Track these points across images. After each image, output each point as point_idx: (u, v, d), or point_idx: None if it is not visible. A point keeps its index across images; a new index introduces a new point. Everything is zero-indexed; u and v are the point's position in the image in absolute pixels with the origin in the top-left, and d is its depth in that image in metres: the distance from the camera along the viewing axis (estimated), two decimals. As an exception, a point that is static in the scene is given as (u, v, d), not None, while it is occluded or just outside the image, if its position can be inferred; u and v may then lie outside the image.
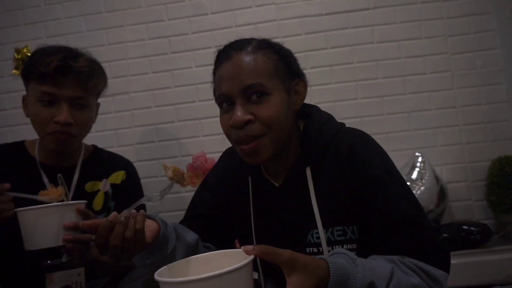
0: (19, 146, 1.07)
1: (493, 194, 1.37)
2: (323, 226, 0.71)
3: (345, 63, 1.62)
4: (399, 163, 1.51)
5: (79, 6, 1.71)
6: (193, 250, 0.74)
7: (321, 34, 1.62)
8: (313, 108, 0.82)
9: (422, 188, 1.30)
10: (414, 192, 1.30)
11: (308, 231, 0.73)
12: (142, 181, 1.24)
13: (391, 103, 1.59)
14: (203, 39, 1.66)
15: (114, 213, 0.62)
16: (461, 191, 1.52)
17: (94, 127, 1.52)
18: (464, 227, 1.23)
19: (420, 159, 1.38)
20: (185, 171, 1.44)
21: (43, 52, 0.98)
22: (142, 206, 1.11)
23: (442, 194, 1.34)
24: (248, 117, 0.69)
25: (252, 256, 0.53)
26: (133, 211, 0.65)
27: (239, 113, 0.69)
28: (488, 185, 1.42)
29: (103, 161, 1.11)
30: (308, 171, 0.74)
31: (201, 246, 0.78)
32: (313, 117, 0.78)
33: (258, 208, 0.80)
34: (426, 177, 1.31)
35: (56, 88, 0.94)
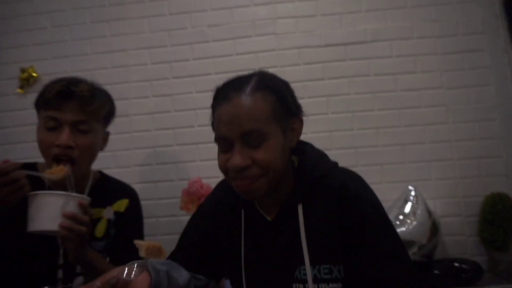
0: (32, 168, 1.08)
1: (485, 231, 1.38)
2: (311, 263, 0.73)
3: (342, 94, 1.65)
4: (392, 195, 1.53)
5: (85, 30, 1.76)
6: None
7: (319, 65, 1.66)
8: (307, 146, 0.84)
9: (415, 223, 1.31)
10: (406, 226, 1.32)
11: (295, 267, 0.75)
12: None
13: (386, 135, 1.61)
14: (204, 66, 1.70)
15: (104, 277, 0.62)
16: (455, 226, 1.53)
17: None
18: (456, 264, 1.23)
19: (413, 193, 1.39)
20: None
21: (51, 82, 1.03)
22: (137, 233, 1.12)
23: (434, 229, 1.34)
24: (246, 163, 0.71)
25: None
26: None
27: (238, 159, 0.71)
28: (480, 221, 1.43)
29: (109, 189, 1.13)
30: (300, 208, 0.76)
31: (192, 284, 0.79)
32: (307, 155, 0.81)
33: (249, 240, 0.81)
34: (419, 212, 1.32)
35: (58, 112, 0.97)
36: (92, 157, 1.06)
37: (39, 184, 0.96)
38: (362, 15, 1.68)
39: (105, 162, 1.64)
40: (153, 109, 1.70)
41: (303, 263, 0.73)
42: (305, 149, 0.82)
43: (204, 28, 1.72)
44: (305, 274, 0.73)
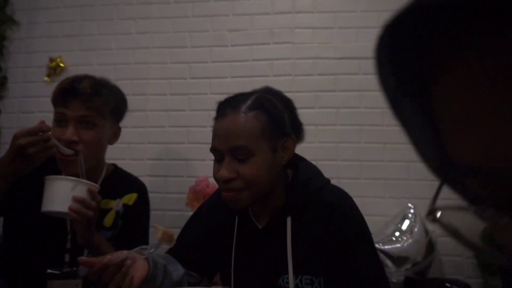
0: (51, 158, 1.13)
1: (483, 255, 1.39)
2: (294, 273, 0.79)
3: (352, 107, 1.69)
4: (392, 211, 1.56)
5: (111, 26, 1.85)
6: (178, 285, 0.83)
7: (332, 77, 1.70)
8: (301, 162, 0.89)
9: (410, 240, 1.33)
10: (401, 243, 1.35)
11: (280, 275, 0.80)
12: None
13: (392, 150, 1.64)
14: (221, 69, 1.76)
15: (109, 256, 0.72)
16: (453, 246, 1.55)
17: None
18: (447, 284, 1.26)
19: (412, 211, 1.42)
20: (188, 196, 1.52)
21: (62, 80, 1.11)
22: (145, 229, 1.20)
23: (430, 247, 1.37)
24: (231, 175, 0.77)
25: None
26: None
27: (225, 171, 0.77)
28: (477, 244, 1.44)
29: (120, 182, 1.19)
30: (289, 221, 0.82)
31: (186, 280, 0.86)
32: (300, 170, 0.86)
33: (240, 246, 0.87)
34: (415, 230, 1.35)
35: (64, 109, 1.04)
36: (99, 151, 1.11)
37: (53, 167, 1.04)
38: (379, 31, 1.71)
39: (120, 154, 1.73)
40: (169, 106, 1.78)
41: (286, 272, 0.79)
42: (300, 164, 0.87)
43: (224, 32, 1.78)
44: (287, 283, 0.79)
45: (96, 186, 0.98)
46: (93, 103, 1.05)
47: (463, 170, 0.22)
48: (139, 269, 0.75)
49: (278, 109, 0.82)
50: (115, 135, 1.18)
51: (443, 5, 0.18)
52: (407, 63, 0.23)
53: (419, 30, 0.20)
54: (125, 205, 1.15)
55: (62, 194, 0.92)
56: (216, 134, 0.81)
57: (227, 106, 0.82)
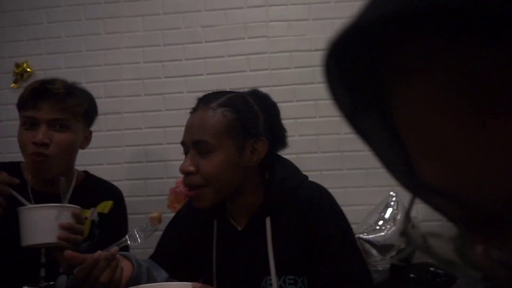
0: (15, 167, 1.10)
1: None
2: (276, 274, 0.77)
3: (331, 99, 1.68)
4: (376, 199, 1.57)
5: (79, 26, 1.78)
6: None
7: (309, 69, 1.69)
8: (279, 160, 0.87)
9: (394, 228, 1.34)
10: (385, 232, 1.36)
11: (262, 277, 0.79)
12: (127, 199, 1.28)
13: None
14: (196, 66, 1.72)
15: (99, 252, 0.69)
16: (435, 230, 1.56)
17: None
18: (431, 269, 1.27)
19: (394, 199, 1.43)
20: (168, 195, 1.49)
21: (29, 84, 1.06)
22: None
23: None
24: (191, 168, 0.77)
25: None
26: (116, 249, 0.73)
27: (184, 164, 0.78)
28: (459, 227, 1.47)
29: (94, 189, 1.15)
30: (268, 221, 0.80)
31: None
32: (276, 170, 0.84)
33: (220, 249, 0.85)
34: (398, 217, 1.36)
35: (35, 111, 0.99)
36: (70, 155, 1.07)
37: (20, 186, 0.99)
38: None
39: (96, 159, 1.68)
40: (144, 107, 1.73)
41: (269, 273, 0.77)
42: (274, 164, 0.85)
43: (197, 29, 1.74)
44: (271, 284, 0.77)
45: (78, 208, 0.93)
46: (67, 104, 1.01)
47: (429, 189, 0.20)
48: (124, 269, 0.73)
49: (251, 110, 0.81)
50: (87, 139, 1.14)
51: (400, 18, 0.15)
52: (360, 75, 0.20)
53: (369, 45, 0.18)
54: (100, 214, 1.11)
55: (46, 224, 0.86)
56: (185, 127, 0.83)
57: (201, 101, 0.83)
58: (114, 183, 1.31)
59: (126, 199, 1.27)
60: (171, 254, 0.90)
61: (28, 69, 1.76)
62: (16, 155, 1.14)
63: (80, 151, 1.13)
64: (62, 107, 1.00)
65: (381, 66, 0.20)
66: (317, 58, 1.50)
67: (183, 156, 1.69)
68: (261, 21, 1.73)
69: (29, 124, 1.00)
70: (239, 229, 0.84)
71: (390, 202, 1.43)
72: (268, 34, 1.72)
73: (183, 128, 1.69)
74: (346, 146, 1.65)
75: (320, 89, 1.68)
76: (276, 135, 0.84)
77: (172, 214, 1.44)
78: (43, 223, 0.86)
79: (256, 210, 0.82)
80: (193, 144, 0.79)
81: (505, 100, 0.15)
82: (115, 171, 1.68)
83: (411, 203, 0.24)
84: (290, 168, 0.86)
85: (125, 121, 1.73)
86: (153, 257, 0.92)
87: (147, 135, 1.72)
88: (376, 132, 0.23)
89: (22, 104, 1.02)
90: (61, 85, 1.01)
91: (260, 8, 1.74)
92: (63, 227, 0.87)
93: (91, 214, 1.09)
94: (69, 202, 1.06)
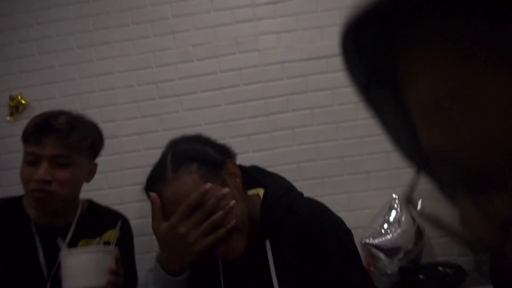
0: (16, 202, 1.09)
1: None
2: None
3: (326, 106, 1.69)
4: (378, 202, 1.57)
5: (71, 55, 1.79)
6: None
7: (302, 79, 1.71)
8: (269, 179, 0.86)
9: (399, 230, 1.34)
10: (391, 235, 1.36)
11: None
12: (132, 222, 1.28)
13: (371, 143, 1.65)
14: (190, 85, 1.74)
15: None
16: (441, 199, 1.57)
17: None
18: (440, 268, 1.27)
19: (397, 201, 1.43)
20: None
21: (34, 116, 1.05)
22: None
23: (419, 233, 1.38)
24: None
25: None
26: None
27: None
28: (464, 224, 1.47)
29: (98, 219, 1.14)
30: (268, 244, 0.79)
31: None
32: (268, 189, 0.83)
33: (226, 272, 0.84)
34: (403, 219, 1.36)
35: (37, 147, 0.98)
36: (73, 190, 1.06)
37: (22, 221, 0.98)
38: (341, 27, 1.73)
39: (97, 184, 1.67)
40: (141, 129, 1.73)
41: None
42: (267, 182, 0.84)
43: (188, 48, 1.76)
44: None
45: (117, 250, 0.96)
46: (71, 140, 0.99)
47: (431, 155, 0.21)
48: None
49: (198, 151, 0.80)
50: (91, 172, 1.13)
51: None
52: (372, 44, 0.22)
53: (383, 16, 0.20)
54: (106, 243, 1.10)
55: (97, 267, 0.89)
56: (169, 209, 0.75)
57: (154, 183, 0.79)
58: (117, 206, 1.30)
59: (131, 221, 1.26)
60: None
61: (23, 101, 1.77)
62: (17, 187, 1.14)
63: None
64: (65, 143, 0.98)
65: (392, 39, 0.21)
66: (309, 67, 1.55)
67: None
68: (251, 35, 1.75)
69: (31, 160, 0.99)
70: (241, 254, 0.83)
71: (394, 205, 1.43)
72: (259, 47, 1.74)
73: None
74: (344, 152, 1.65)
75: (314, 97, 1.70)
76: (226, 152, 0.83)
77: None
78: (95, 266, 0.89)
79: (255, 231, 0.80)
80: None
81: (495, 56, 0.16)
82: (118, 195, 1.68)
83: (416, 177, 0.25)
84: (283, 186, 0.84)
85: (123, 144, 1.73)
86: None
87: (146, 157, 1.71)
88: (387, 106, 0.25)
89: (25, 139, 1.01)
90: (64, 120, 0.99)
91: (249, 22, 1.76)
92: (112, 271, 0.88)
93: (97, 244, 1.08)
94: (74, 233, 1.06)
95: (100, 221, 1.14)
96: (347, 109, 1.67)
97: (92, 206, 1.17)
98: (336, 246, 0.75)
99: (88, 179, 1.11)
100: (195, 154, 0.79)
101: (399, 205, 1.42)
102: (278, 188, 0.83)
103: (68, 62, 1.79)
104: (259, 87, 1.72)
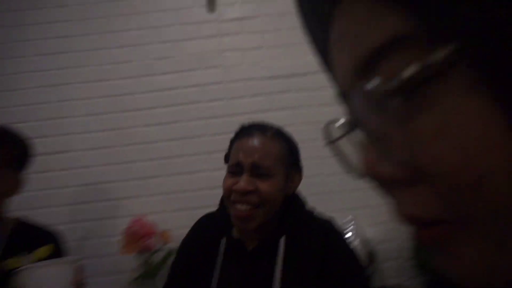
0: None
1: (419, 254, 1.45)
2: None
3: (288, 125, 1.67)
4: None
5: (28, 63, 1.72)
6: None
7: (265, 97, 1.70)
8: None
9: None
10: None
11: None
12: (72, 244, 1.22)
13: (330, 164, 1.66)
14: (151, 99, 1.70)
15: None
16: (391, 251, 1.59)
17: (36, 185, 1.51)
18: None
19: (351, 224, 1.44)
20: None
21: None
22: None
23: (371, 257, 1.39)
24: (250, 188, 0.81)
25: None
26: None
27: (244, 183, 0.81)
28: (415, 244, 1.50)
29: (28, 237, 1.09)
30: (282, 240, 0.83)
31: None
32: (298, 197, 0.92)
33: (224, 269, 0.85)
34: (355, 244, 1.37)
35: None
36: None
37: None
38: (307, 47, 1.74)
39: (36, 202, 1.61)
40: (97, 144, 1.68)
41: None
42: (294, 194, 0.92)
43: (151, 61, 1.73)
44: None
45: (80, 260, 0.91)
46: None
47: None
48: None
49: (295, 144, 0.92)
50: (17, 185, 1.06)
51: None
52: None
53: None
54: (39, 260, 1.05)
55: (59, 282, 0.82)
56: (240, 149, 0.85)
57: (254, 128, 0.88)
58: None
59: (71, 243, 1.21)
60: (179, 282, 0.90)
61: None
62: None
63: (30, 194, 1.07)
64: None
65: None
66: (272, 85, 1.56)
67: (140, 192, 1.66)
68: (215, 51, 1.73)
69: None
70: (250, 248, 0.86)
71: (349, 228, 1.44)
72: (223, 63, 1.73)
73: (135, 164, 1.67)
74: (306, 172, 1.65)
75: (277, 115, 1.69)
76: (301, 170, 0.92)
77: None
78: (55, 281, 0.82)
79: (269, 232, 0.85)
80: (253, 165, 0.82)
81: None
82: (67, 212, 1.62)
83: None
84: (303, 199, 0.92)
85: (75, 159, 1.67)
86: (165, 286, 0.93)
87: (99, 173, 1.66)
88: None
89: None
90: None
91: (214, 38, 1.74)
92: (76, 283, 0.84)
93: (26, 261, 1.03)
94: (4, 251, 1.01)
95: (30, 239, 1.08)
96: (309, 129, 1.68)
97: (22, 223, 1.12)
98: (350, 256, 0.80)
99: (12, 193, 1.06)
100: (292, 144, 0.91)
101: (354, 229, 1.42)
102: (300, 200, 0.92)
103: (25, 70, 1.71)
104: (222, 104, 1.70)
